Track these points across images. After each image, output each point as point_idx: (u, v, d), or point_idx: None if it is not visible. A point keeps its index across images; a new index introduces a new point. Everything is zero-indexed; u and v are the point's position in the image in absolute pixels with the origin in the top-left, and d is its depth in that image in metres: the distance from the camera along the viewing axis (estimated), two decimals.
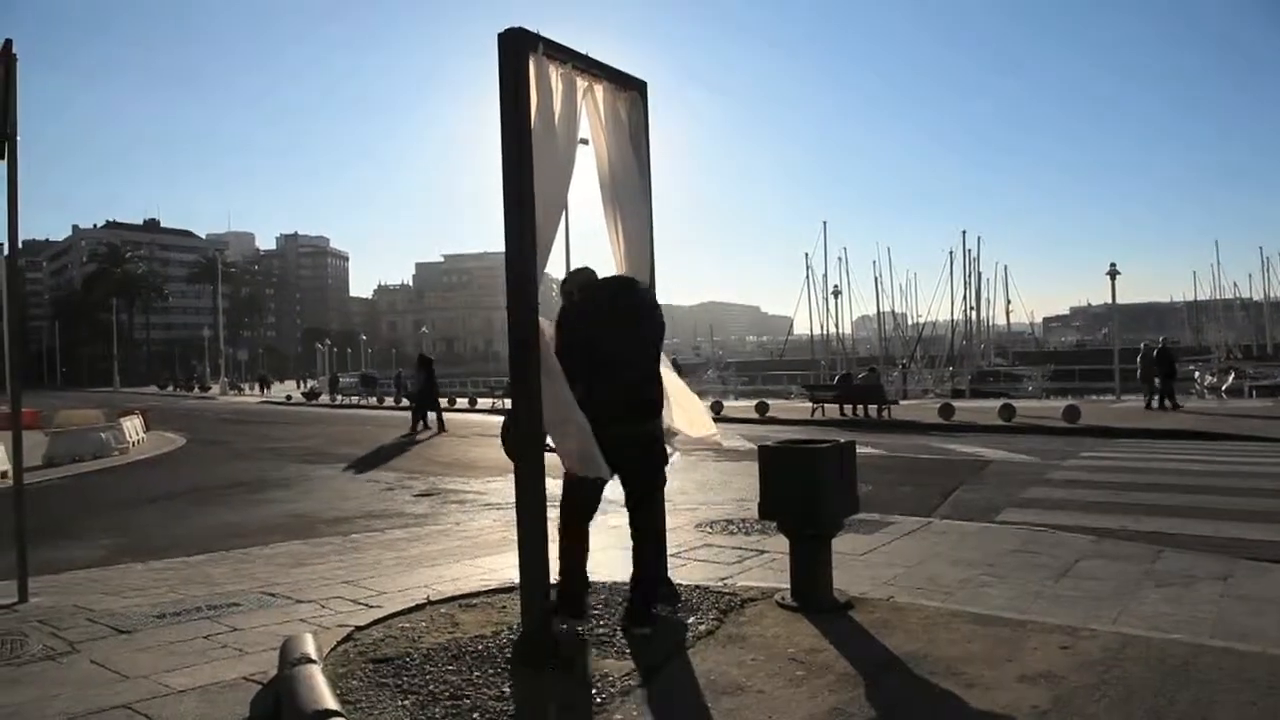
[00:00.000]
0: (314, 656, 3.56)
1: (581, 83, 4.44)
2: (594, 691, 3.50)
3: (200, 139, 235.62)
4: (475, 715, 3.30)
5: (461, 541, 7.21)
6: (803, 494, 4.56)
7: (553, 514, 4.11)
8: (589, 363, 4.13)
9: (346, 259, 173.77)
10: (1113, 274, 26.12)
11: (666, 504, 4.86)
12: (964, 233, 56.00)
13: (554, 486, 4.06)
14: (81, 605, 5.23)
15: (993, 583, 5.30)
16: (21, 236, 5.83)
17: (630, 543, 4.44)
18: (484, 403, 32.03)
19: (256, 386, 62.46)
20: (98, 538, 8.23)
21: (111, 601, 5.34)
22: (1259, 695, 3.32)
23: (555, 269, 5.23)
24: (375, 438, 19.53)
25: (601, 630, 4.27)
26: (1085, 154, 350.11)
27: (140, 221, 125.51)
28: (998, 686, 3.47)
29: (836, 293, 52.98)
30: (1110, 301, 28.01)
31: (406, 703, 3.41)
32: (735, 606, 4.62)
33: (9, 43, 5.50)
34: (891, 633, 4.18)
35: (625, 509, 4.45)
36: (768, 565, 5.84)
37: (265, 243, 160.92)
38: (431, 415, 21.22)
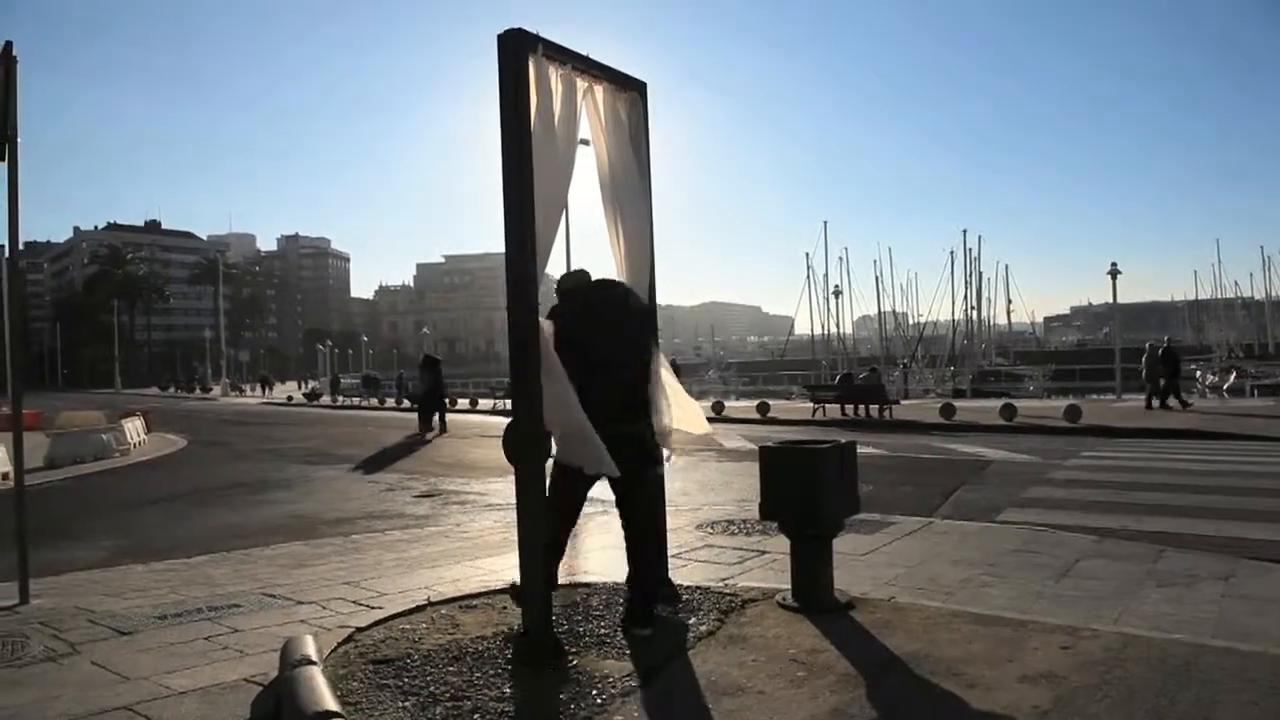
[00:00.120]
0: (314, 658, 3.56)
1: (581, 83, 4.44)
2: (594, 692, 3.50)
3: (201, 140, 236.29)
4: (476, 716, 3.30)
5: (462, 543, 7.21)
6: (804, 494, 4.57)
7: None
8: (583, 364, 4.15)
9: (347, 260, 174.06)
10: (1114, 273, 26.15)
11: (668, 505, 4.86)
12: (965, 232, 55.94)
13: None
14: (82, 606, 5.23)
15: (994, 583, 5.30)
16: (22, 238, 5.85)
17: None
18: (485, 403, 32.09)
19: (258, 388, 62.51)
20: (99, 539, 8.23)
21: (112, 603, 5.34)
22: (1261, 695, 3.32)
23: (555, 269, 5.22)
24: (377, 439, 19.54)
25: (602, 630, 4.27)
26: (1085, 154, 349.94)
27: (141, 223, 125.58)
28: (999, 687, 3.47)
29: (837, 293, 53.14)
30: (1111, 301, 28.01)
31: (407, 704, 3.41)
32: (736, 607, 4.62)
33: (9, 44, 5.50)
34: (892, 633, 4.18)
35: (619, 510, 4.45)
36: (769, 566, 5.84)
37: (266, 244, 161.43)
38: (437, 416, 21.09)
